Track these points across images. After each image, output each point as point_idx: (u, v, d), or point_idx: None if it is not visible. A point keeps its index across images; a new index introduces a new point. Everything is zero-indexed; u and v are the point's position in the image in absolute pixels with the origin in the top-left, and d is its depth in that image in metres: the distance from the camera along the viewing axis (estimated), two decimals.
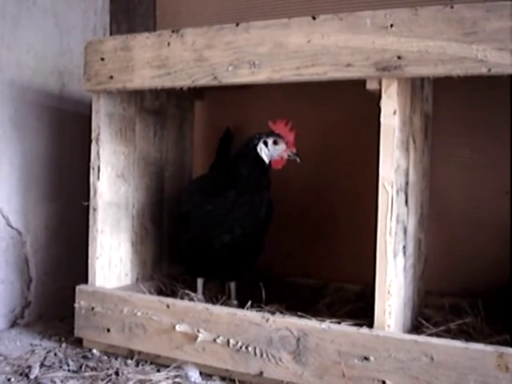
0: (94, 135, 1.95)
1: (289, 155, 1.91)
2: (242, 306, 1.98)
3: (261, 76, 1.66)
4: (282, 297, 2.05)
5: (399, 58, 1.50)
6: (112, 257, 2.03)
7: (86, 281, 1.99)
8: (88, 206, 1.98)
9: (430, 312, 1.94)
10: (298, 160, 1.91)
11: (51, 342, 2.01)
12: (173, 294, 2.12)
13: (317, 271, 2.33)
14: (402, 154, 1.62)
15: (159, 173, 2.26)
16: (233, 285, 2.12)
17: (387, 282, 1.56)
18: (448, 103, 2.07)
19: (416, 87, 1.76)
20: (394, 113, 1.55)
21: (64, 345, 1.97)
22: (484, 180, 2.06)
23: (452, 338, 1.57)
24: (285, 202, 2.26)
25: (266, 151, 1.92)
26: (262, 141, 1.92)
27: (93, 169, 1.96)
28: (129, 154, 2.08)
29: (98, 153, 1.95)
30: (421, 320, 1.77)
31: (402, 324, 1.69)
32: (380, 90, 1.56)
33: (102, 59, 1.88)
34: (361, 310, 1.88)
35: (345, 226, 2.29)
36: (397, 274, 1.61)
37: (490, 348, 1.41)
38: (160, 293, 2.15)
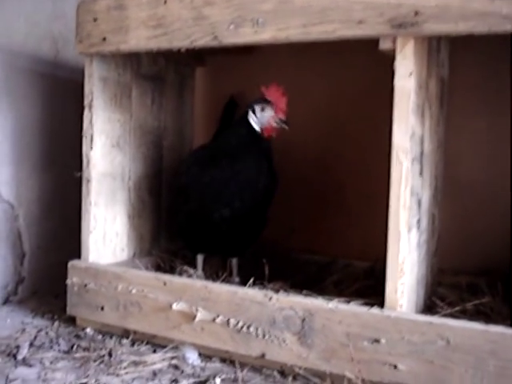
0: (86, 101, 1.83)
1: (276, 122, 1.81)
2: (244, 283, 1.88)
3: (265, 35, 1.52)
4: (286, 274, 1.93)
5: (416, 13, 1.36)
6: (107, 231, 1.92)
7: (79, 256, 1.89)
8: (81, 177, 1.87)
9: (444, 291, 1.81)
10: (286, 127, 1.80)
11: (43, 320, 1.91)
12: (171, 271, 2.01)
13: (323, 247, 2.21)
14: (417, 120, 1.49)
15: (157, 142, 2.14)
16: (234, 261, 2.01)
17: (400, 259, 1.44)
18: (465, 71, 1.93)
19: (432, 50, 1.63)
20: (410, 74, 1.41)
21: (56, 323, 1.87)
22: (499, 153, 1.92)
23: (468, 319, 1.46)
24: (289, 175, 2.13)
25: (255, 118, 1.84)
26: (250, 108, 1.83)
27: (85, 137, 1.84)
28: (124, 122, 1.96)
29: (91, 120, 1.83)
30: (435, 300, 1.65)
31: (415, 304, 1.57)
32: (394, 50, 1.42)
33: (95, 20, 1.75)
34: (370, 289, 1.77)
35: (353, 199, 2.18)
36: (410, 251, 1.49)
37: (511, 331, 1.30)
38: (158, 269, 2.04)
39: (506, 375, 1.28)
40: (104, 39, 1.74)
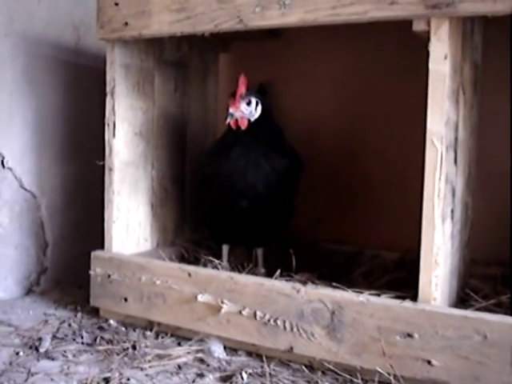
0: (108, 88, 1.79)
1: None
2: (270, 274, 1.84)
3: (292, 18, 1.46)
4: (313, 265, 1.88)
5: None
6: (130, 220, 1.88)
7: (102, 246, 1.85)
8: (104, 166, 1.83)
9: (477, 283, 1.75)
10: (226, 121, 1.77)
11: (66, 312, 1.88)
12: (196, 261, 1.98)
13: (351, 237, 2.15)
14: (452, 105, 1.42)
15: (180, 131, 2.09)
16: (260, 252, 1.96)
17: (434, 250, 1.38)
18: (499, 55, 1.85)
19: (466, 32, 1.55)
20: (445, 57, 1.34)
21: (79, 314, 1.85)
22: None
23: (504, 313, 1.40)
24: (316, 163, 2.08)
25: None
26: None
27: (108, 125, 1.80)
28: (147, 110, 1.92)
29: (113, 107, 1.79)
30: (469, 292, 1.59)
31: (448, 297, 1.51)
32: (429, 32, 1.35)
33: (116, 4, 1.70)
34: (401, 281, 1.71)
35: (382, 187, 2.11)
36: (444, 242, 1.43)
37: None
38: (182, 259, 2.00)
39: None
40: (126, 24, 1.69)
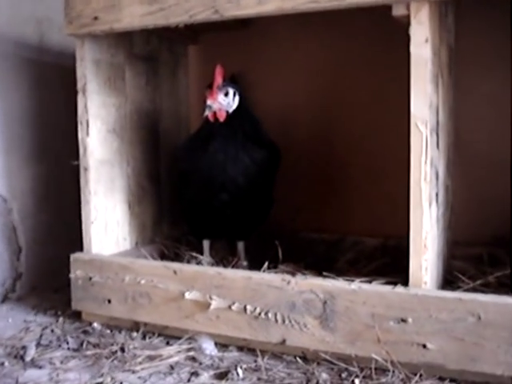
0: (79, 85, 1.73)
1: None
2: (252, 266, 1.82)
3: (269, 6, 1.44)
4: (294, 254, 1.86)
5: None
6: (108, 220, 1.83)
7: (80, 248, 1.80)
8: (78, 166, 1.78)
9: (460, 264, 1.76)
10: (204, 114, 1.74)
11: (47, 317, 1.83)
12: (177, 258, 1.95)
13: (331, 225, 2.15)
14: (433, 89, 1.42)
15: (154, 126, 2.05)
16: (241, 245, 1.94)
17: (423, 235, 1.38)
18: (472, 34, 1.86)
19: (442, 15, 1.55)
20: (426, 41, 1.34)
21: (61, 319, 1.79)
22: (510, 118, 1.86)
23: (492, 292, 1.42)
24: (292, 153, 2.05)
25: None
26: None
27: (81, 123, 1.75)
28: (120, 106, 1.87)
29: (85, 105, 1.73)
30: (457, 274, 1.60)
31: (436, 280, 1.52)
32: (408, 16, 1.35)
33: None
34: (388, 267, 1.72)
35: (359, 175, 2.10)
36: (431, 225, 1.43)
37: None
38: (163, 257, 1.97)
39: None
40: (96, 18, 1.64)
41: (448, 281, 1.65)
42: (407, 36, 1.36)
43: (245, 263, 1.91)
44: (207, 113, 1.73)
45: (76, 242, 1.84)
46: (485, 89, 1.88)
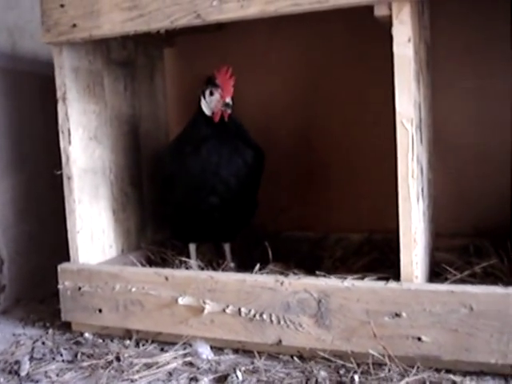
0: (59, 94, 1.71)
1: (222, 105, 1.74)
2: (239, 268, 1.84)
3: (252, 9, 1.45)
4: (279, 254, 1.88)
5: None
6: (93, 228, 1.82)
7: (63, 257, 1.78)
8: (58, 175, 1.75)
9: (445, 255, 1.80)
10: (228, 111, 1.74)
11: (36, 329, 1.80)
12: (164, 263, 1.94)
13: (314, 223, 2.17)
14: (416, 86, 1.45)
15: (134, 131, 2.03)
16: (227, 247, 1.95)
17: (413, 230, 1.41)
18: (447, 31, 1.90)
19: (419, 13, 1.58)
20: (409, 40, 1.37)
21: (51, 331, 1.77)
22: (488, 111, 1.91)
23: (479, 283, 1.46)
24: (272, 153, 2.05)
25: (205, 102, 1.79)
26: (202, 93, 1.79)
27: (62, 132, 1.73)
28: (100, 113, 1.85)
29: (66, 113, 1.71)
30: (444, 266, 1.63)
31: (425, 273, 1.55)
32: (390, 16, 1.37)
33: (62, 6, 1.63)
34: (376, 262, 1.75)
35: (339, 172, 2.13)
36: (419, 220, 1.46)
37: None
38: (149, 262, 1.96)
39: None
40: (74, 26, 1.62)
41: (435, 273, 1.69)
42: (390, 36, 1.38)
43: (232, 265, 1.92)
44: (229, 111, 1.73)
45: (58, 251, 1.82)
46: (461, 84, 1.92)
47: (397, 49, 1.38)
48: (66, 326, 1.78)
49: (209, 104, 1.78)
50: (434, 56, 1.86)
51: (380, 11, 1.38)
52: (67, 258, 1.79)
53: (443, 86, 1.90)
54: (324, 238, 2.11)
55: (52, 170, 1.77)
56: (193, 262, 1.88)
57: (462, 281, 1.54)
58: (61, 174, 1.76)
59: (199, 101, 1.80)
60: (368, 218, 2.06)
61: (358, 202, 2.09)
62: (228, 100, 1.72)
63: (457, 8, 1.88)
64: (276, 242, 2.06)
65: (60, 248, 1.82)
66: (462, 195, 1.96)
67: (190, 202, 1.80)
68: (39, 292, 2.07)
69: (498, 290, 1.32)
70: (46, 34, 1.67)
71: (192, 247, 1.92)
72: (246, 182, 1.79)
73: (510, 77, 1.86)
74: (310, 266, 1.70)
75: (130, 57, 2.01)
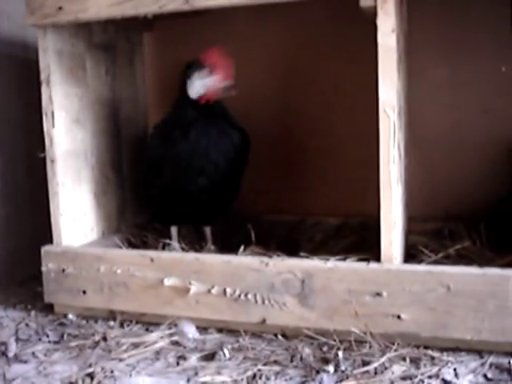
0: (43, 76, 1.71)
1: (220, 88, 1.76)
2: (220, 250, 1.87)
3: None
4: (257, 237, 1.92)
5: None
6: (75, 212, 1.83)
7: (41, 241, 1.79)
8: (37, 159, 1.75)
9: (420, 238, 1.87)
10: (233, 92, 1.76)
11: (17, 312, 1.81)
12: (144, 245, 1.96)
13: (291, 207, 2.22)
14: (397, 75, 1.50)
15: (114, 115, 2.04)
16: (208, 230, 1.98)
17: (393, 213, 1.47)
18: (423, 20, 1.96)
19: (401, 4, 1.64)
20: (393, 31, 1.42)
21: (33, 313, 1.78)
22: (461, 100, 1.99)
23: (453, 264, 1.53)
24: (251, 137, 2.09)
25: (195, 85, 1.79)
26: (188, 77, 1.80)
27: (46, 115, 1.72)
28: (82, 96, 1.85)
29: (50, 96, 1.71)
30: (421, 248, 1.70)
31: (402, 255, 1.62)
32: (375, 7, 1.42)
33: None
34: (355, 244, 1.81)
35: (317, 157, 2.18)
36: (399, 204, 1.53)
37: (509, 272, 1.37)
38: (130, 245, 1.97)
39: (505, 314, 1.35)
40: (60, 8, 1.61)
41: (410, 255, 1.76)
42: (374, 26, 1.43)
43: (212, 247, 1.95)
44: (234, 93, 1.75)
45: (36, 235, 1.82)
46: (435, 72, 1.99)
47: (381, 39, 1.42)
48: (48, 308, 1.79)
49: (199, 86, 1.78)
50: (410, 45, 1.92)
51: (366, 2, 1.42)
52: (45, 242, 1.79)
53: (418, 74, 1.96)
54: (301, 222, 2.16)
55: (29, 154, 1.77)
56: (175, 244, 1.91)
57: (437, 262, 1.61)
58: (38, 158, 1.75)
59: (184, 83, 1.81)
60: (344, 202, 2.13)
61: (335, 186, 2.15)
62: (230, 81, 1.74)
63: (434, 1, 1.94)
64: (254, 226, 2.11)
65: (37, 232, 1.82)
66: (435, 181, 2.04)
67: (178, 184, 1.82)
68: (17, 275, 2.07)
69: (473, 270, 1.40)
70: (30, 16, 1.66)
71: (174, 230, 1.95)
72: (233, 163, 1.83)
73: (484, 65, 1.94)
74: (288, 248, 1.75)
75: (110, 40, 2.01)
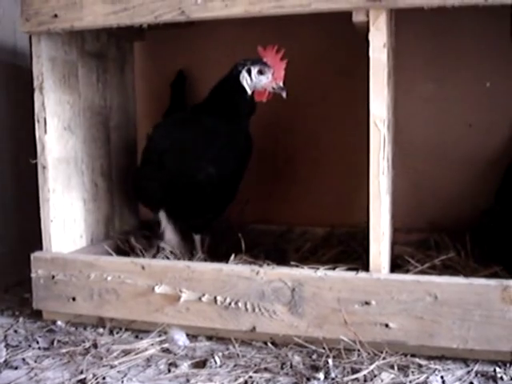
0: (36, 83, 1.71)
1: (273, 88, 1.73)
2: (209, 259, 1.89)
3: (236, 9, 1.51)
4: (245, 246, 1.94)
5: None
6: (66, 218, 1.83)
7: (26, 247, 1.78)
8: (22, 165, 1.76)
9: (405, 249, 1.91)
10: (284, 95, 1.73)
11: (5, 318, 1.80)
12: (133, 252, 1.97)
13: (278, 217, 2.24)
14: (388, 89, 1.54)
15: (105, 122, 2.05)
16: (197, 238, 2.00)
17: (381, 224, 1.51)
18: (410, 36, 2.01)
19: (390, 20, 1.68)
20: (384, 46, 1.46)
21: (21, 319, 1.78)
22: (446, 114, 2.04)
23: (439, 274, 1.57)
24: None
25: (249, 80, 1.75)
26: (245, 68, 1.74)
27: (38, 121, 1.73)
28: (74, 104, 1.86)
29: (42, 103, 1.72)
30: (407, 258, 1.73)
31: (389, 264, 1.66)
32: (367, 23, 1.46)
33: None
34: (342, 254, 1.84)
35: (305, 168, 2.21)
36: (387, 214, 1.56)
37: (493, 282, 1.41)
38: (119, 251, 1.98)
39: (490, 323, 1.40)
40: (55, 16, 1.63)
41: (396, 264, 1.80)
42: (365, 40, 1.47)
43: (202, 255, 1.96)
44: (285, 95, 1.74)
45: (20, 241, 1.81)
46: (422, 87, 2.04)
47: (373, 54, 1.47)
48: (37, 315, 1.79)
49: (254, 83, 1.75)
50: (397, 60, 1.97)
51: (358, 17, 1.46)
52: (31, 248, 1.78)
53: (404, 88, 2.00)
54: (288, 231, 2.19)
55: (17, 159, 1.77)
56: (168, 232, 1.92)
57: (423, 272, 1.65)
58: (25, 164, 1.77)
59: (236, 75, 1.77)
60: (331, 212, 2.16)
61: (322, 196, 2.18)
62: (282, 83, 1.72)
63: (421, 17, 1.99)
64: (242, 234, 2.14)
65: (22, 238, 1.82)
66: (419, 192, 2.09)
67: (186, 174, 1.82)
68: (2, 281, 2.06)
69: (460, 280, 1.44)
70: (25, 23, 1.67)
71: (167, 222, 1.95)
72: (242, 165, 1.87)
73: (468, 80, 2.00)
74: (276, 257, 1.77)
75: (102, 48, 2.02)
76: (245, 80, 1.74)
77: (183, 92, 2.16)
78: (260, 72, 1.73)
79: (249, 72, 1.74)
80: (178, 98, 2.14)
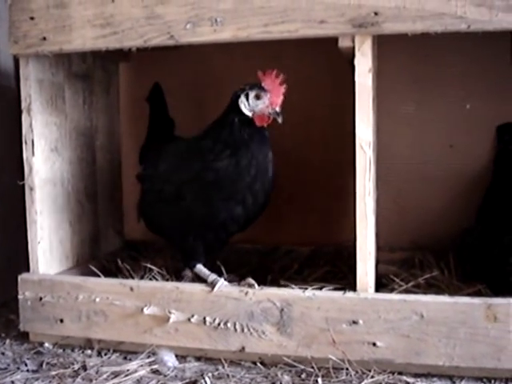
0: (24, 105, 1.72)
1: (269, 113, 1.69)
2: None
3: (225, 34, 1.54)
4: (230, 265, 1.95)
5: (376, 14, 1.45)
6: (52, 239, 1.83)
7: (10, 267, 1.79)
8: (6, 185, 1.75)
9: (389, 267, 1.94)
10: (280, 120, 1.69)
11: None
12: (120, 272, 1.96)
13: (263, 236, 2.25)
14: (373, 112, 1.58)
15: (90, 143, 2.05)
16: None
17: (368, 244, 1.54)
18: (392, 59, 2.05)
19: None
20: (369, 71, 1.50)
21: (8, 341, 1.77)
22: (428, 135, 2.08)
23: (424, 293, 1.60)
24: None
25: (247, 105, 1.70)
26: (244, 93, 1.71)
27: (26, 143, 1.74)
28: (60, 125, 1.87)
29: (30, 125, 1.72)
30: (392, 277, 1.77)
31: (375, 283, 1.69)
32: (353, 48, 1.50)
33: (32, 18, 1.65)
34: (328, 273, 1.87)
35: (290, 187, 2.22)
36: (373, 235, 1.60)
37: (478, 300, 1.45)
38: (106, 272, 1.97)
39: (475, 340, 1.43)
40: (44, 39, 1.64)
41: (381, 283, 1.83)
42: (351, 66, 1.51)
43: (190, 274, 1.96)
44: (281, 120, 1.68)
45: (4, 261, 1.80)
46: (403, 109, 2.09)
47: (358, 78, 1.51)
48: (23, 336, 1.78)
49: (252, 107, 1.70)
50: (380, 83, 2.02)
51: (344, 43, 1.50)
52: (15, 269, 1.79)
53: (386, 110, 2.05)
54: (273, 251, 2.21)
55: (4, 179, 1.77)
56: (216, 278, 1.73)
57: (407, 291, 1.68)
58: (8, 185, 1.77)
59: (235, 100, 1.72)
60: (316, 231, 2.19)
61: (307, 216, 2.21)
62: (279, 108, 1.68)
63: (403, 41, 2.04)
64: (226, 254, 2.15)
65: (6, 259, 1.80)
66: (402, 212, 2.13)
67: (208, 212, 1.71)
68: None
69: (446, 299, 1.48)
70: (13, 45, 1.67)
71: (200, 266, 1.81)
72: (269, 193, 1.78)
73: (449, 102, 2.05)
74: (261, 277, 1.79)
75: (88, 70, 2.03)
76: (243, 104, 1.71)
77: (164, 105, 2.10)
78: (257, 97, 1.70)
79: (247, 96, 1.71)
80: (158, 112, 2.10)
